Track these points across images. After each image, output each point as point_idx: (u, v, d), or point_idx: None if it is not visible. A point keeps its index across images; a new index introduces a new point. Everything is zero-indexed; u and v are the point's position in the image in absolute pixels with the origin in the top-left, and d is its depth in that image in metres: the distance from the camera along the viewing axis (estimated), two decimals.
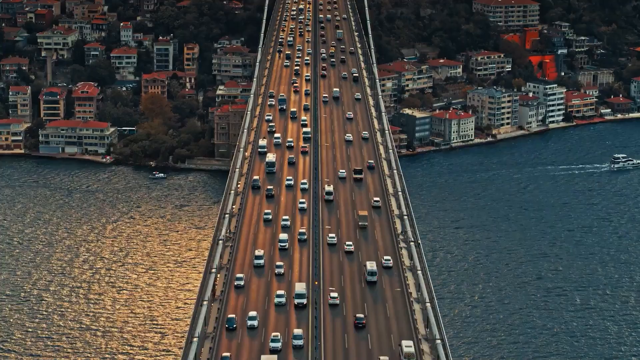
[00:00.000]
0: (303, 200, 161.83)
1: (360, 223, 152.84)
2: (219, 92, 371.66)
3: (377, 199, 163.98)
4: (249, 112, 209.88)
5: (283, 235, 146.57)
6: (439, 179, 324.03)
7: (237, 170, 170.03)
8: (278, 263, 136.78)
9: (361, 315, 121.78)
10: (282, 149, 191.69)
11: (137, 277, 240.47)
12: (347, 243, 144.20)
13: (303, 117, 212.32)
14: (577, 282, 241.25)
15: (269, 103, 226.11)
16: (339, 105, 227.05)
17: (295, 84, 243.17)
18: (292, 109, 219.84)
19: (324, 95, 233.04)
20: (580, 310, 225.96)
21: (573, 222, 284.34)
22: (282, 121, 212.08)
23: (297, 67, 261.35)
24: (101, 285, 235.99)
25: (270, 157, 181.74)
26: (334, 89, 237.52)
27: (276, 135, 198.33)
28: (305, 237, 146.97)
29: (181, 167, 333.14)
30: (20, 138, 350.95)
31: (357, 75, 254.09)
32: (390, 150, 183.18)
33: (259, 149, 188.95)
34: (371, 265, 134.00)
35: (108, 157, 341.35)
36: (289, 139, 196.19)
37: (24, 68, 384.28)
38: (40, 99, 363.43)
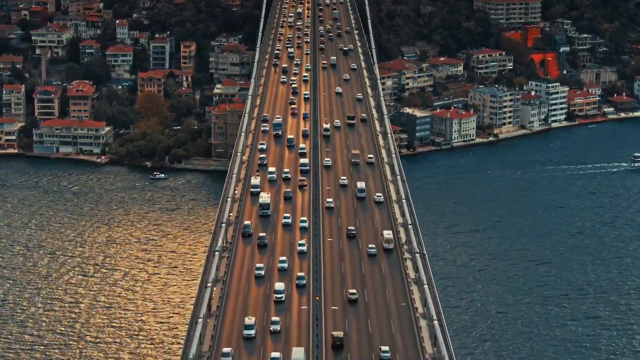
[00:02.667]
0: (302, 242, 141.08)
1: (353, 160, 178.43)
2: (216, 90, 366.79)
3: (371, 155, 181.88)
4: (246, 115, 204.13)
5: (279, 285, 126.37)
6: (439, 180, 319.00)
7: (234, 175, 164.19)
8: (273, 319, 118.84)
9: (352, 227, 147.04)
10: (277, 183, 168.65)
11: (132, 280, 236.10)
12: (342, 177, 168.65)
13: (302, 145, 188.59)
14: (582, 288, 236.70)
15: (262, 129, 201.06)
16: (336, 71, 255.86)
17: (292, 105, 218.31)
18: (289, 136, 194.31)
19: (323, 62, 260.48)
20: (583, 319, 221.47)
21: (586, 223, 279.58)
22: (277, 149, 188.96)
23: (295, 85, 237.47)
24: (93, 288, 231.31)
25: (264, 197, 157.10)
26: (332, 57, 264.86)
27: (270, 169, 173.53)
28: (304, 282, 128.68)
29: (177, 168, 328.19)
30: (14, 137, 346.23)
31: (346, 49, 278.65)
32: (393, 155, 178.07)
33: (251, 189, 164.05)
34: (360, 185, 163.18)
35: (103, 157, 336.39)
36: (285, 170, 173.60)
37: (18, 66, 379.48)
38: (34, 98, 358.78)
